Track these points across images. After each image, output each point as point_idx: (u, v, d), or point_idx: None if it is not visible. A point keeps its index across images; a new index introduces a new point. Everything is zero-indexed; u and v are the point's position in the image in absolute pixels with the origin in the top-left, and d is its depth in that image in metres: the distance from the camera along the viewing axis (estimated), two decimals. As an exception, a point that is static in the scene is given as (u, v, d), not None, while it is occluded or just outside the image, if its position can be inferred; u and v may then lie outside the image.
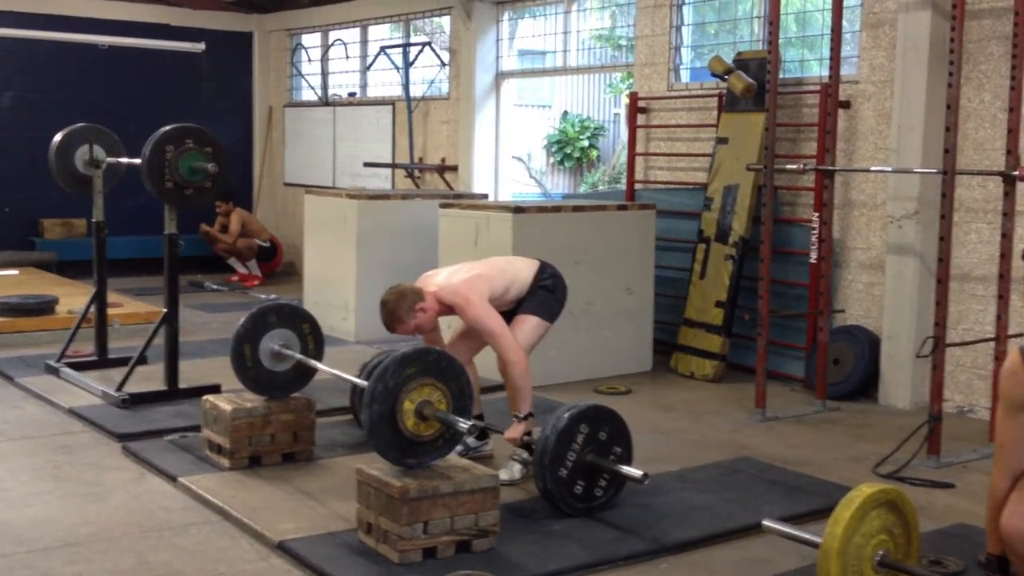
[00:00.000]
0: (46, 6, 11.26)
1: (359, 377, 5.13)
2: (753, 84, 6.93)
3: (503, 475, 4.56)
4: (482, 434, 5.07)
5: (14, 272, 10.04)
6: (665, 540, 4.03)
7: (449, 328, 5.33)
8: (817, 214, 6.41)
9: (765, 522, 3.48)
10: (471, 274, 4.84)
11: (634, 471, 4.21)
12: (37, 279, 9.83)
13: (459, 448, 4.87)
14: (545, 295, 4.92)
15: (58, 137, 6.84)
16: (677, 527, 4.15)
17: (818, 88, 6.78)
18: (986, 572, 3.01)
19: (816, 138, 6.77)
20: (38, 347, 7.24)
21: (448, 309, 4.78)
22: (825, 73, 6.40)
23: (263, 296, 10.03)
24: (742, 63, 7.14)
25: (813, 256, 6.45)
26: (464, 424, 3.92)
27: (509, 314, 4.86)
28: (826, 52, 6.30)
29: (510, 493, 4.46)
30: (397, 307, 4.64)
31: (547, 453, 4.22)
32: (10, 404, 5.97)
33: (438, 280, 4.86)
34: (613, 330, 7.04)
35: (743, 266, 7.02)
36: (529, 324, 4.84)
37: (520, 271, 4.97)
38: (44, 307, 7.92)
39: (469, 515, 3.88)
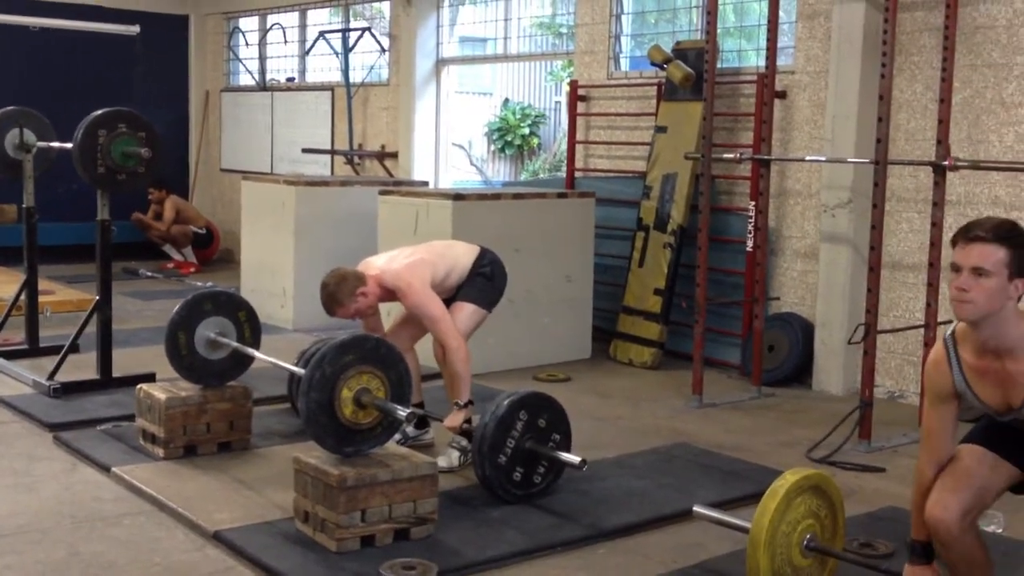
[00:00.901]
0: (-27, -15, 10.96)
1: (296, 365, 5.09)
2: (691, 73, 6.99)
3: (441, 462, 4.57)
4: (422, 422, 5.07)
5: (-60, 259, 9.78)
6: (602, 526, 4.07)
7: (389, 316, 5.31)
8: (753, 203, 6.49)
9: (696, 508, 3.53)
10: (413, 259, 4.82)
11: (572, 457, 4.24)
12: (-36, 266, 9.59)
13: (398, 436, 4.86)
14: (483, 282, 4.92)
15: (-14, 121, 6.68)
16: (614, 513, 4.19)
17: (755, 78, 6.85)
18: (911, 557, 3.08)
19: (753, 128, 6.85)
20: (-35, 336, 7.07)
21: (389, 294, 4.76)
22: (762, 63, 6.47)
23: (199, 284, 9.89)
24: (681, 52, 7.19)
25: (749, 244, 6.54)
26: (403, 412, 3.91)
27: (448, 301, 4.85)
28: (763, 43, 6.37)
29: (448, 480, 4.46)
30: (338, 290, 4.62)
31: (486, 440, 4.22)
32: (-64, 394, 5.84)
33: (379, 264, 4.84)
34: (553, 318, 7.07)
35: (681, 254, 7.09)
36: (466, 311, 4.84)
37: (460, 256, 4.95)
38: (-29, 295, 7.74)
39: (407, 503, 3.87)
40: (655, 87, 7.59)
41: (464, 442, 4.71)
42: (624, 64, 8.23)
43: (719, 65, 6.76)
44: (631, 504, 4.30)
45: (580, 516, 4.15)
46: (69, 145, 5.83)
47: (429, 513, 3.93)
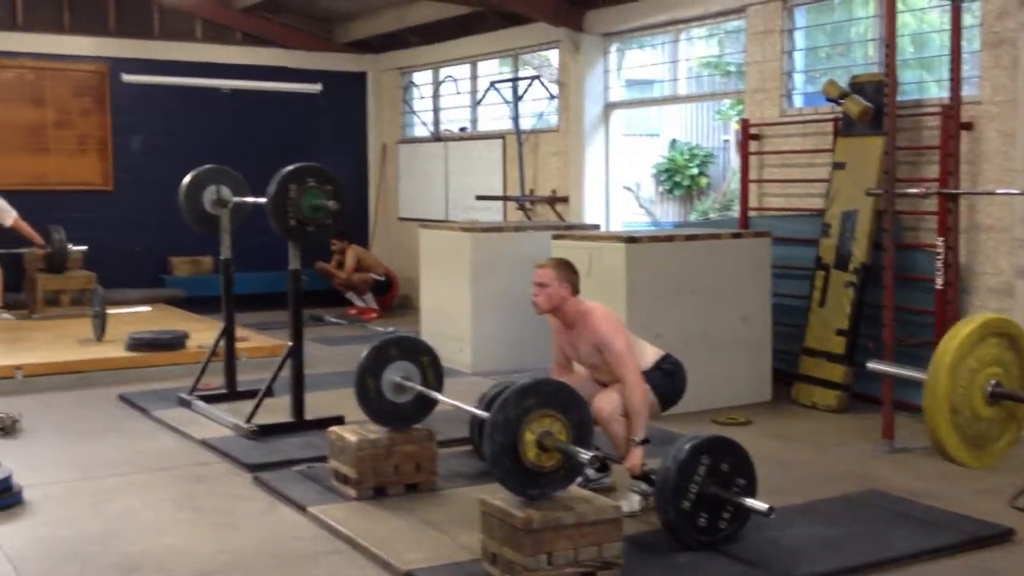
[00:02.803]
0: (172, 53, 11.78)
1: (478, 408, 5.19)
2: (870, 108, 6.82)
3: (623, 506, 4.56)
4: (602, 466, 5.07)
5: (146, 308, 10.47)
6: (794, 574, 3.96)
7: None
8: (942, 239, 6.24)
9: (870, 364, 3.29)
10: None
11: (759, 504, 4.16)
12: (167, 315, 10.24)
13: (579, 480, 4.89)
14: (662, 376, 4.93)
15: (187, 178, 7.09)
16: (805, 561, 4.08)
17: (938, 110, 6.62)
18: None
19: (937, 161, 6.60)
20: (170, 381, 7.51)
21: (574, 319, 4.84)
22: (944, 94, 6.25)
23: (381, 329, 10.23)
24: (858, 86, 7.03)
25: (939, 282, 6.28)
26: (585, 455, 3.93)
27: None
28: (944, 73, 6.16)
29: (632, 525, 4.44)
30: (560, 265, 4.82)
31: (668, 485, 4.20)
32: (146, 436, 6.23)
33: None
34: (730, 360, 6.96)
35: (864, 293, 6.87)
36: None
37: (645, 348, 5.02)
38: (175, 342, 8.24)
39: (592, 546, 3.88)
40: (831, 123, 7.44)
41: (644, 486, 4.69)
42: (797, 100, 8.11)
43: (898, 98, 6.56)
44: (823, 553, 4.18)
45: (770, 564, 4.06)
46: (262, 200, 6.15)
47: (615, 557, 3.92)
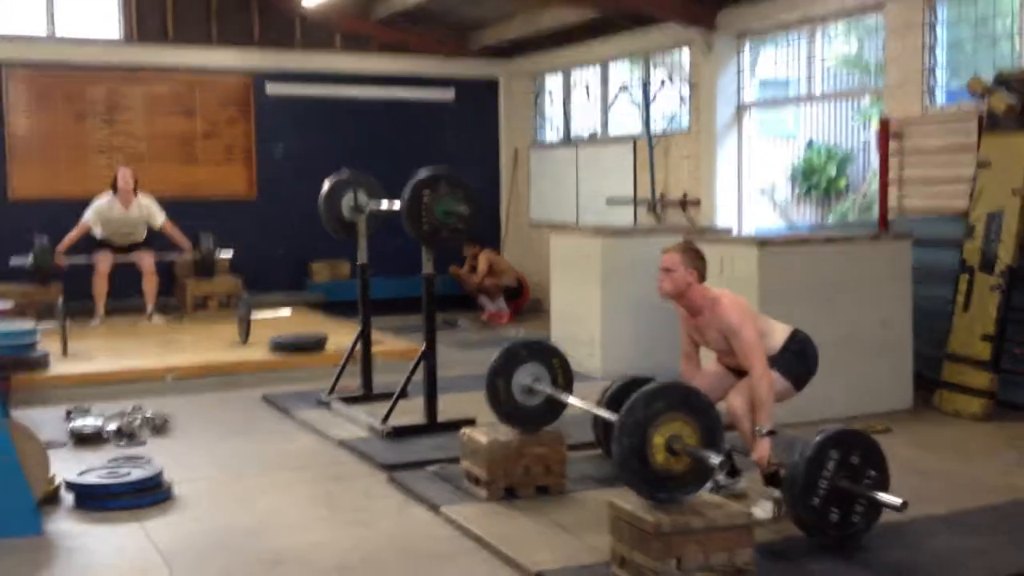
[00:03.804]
0: (313, 63, 12.17)
1: (600, 402, 5.21)
2: (1016, 104, 6.54)
3: (757, 512, 4.51)
4: (733, 472, 5.02)
5: (288, 312, 10.84)
6: (935, 585, 3.85)
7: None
8: (1095, 239, 5.95)
9: None
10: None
11: (892, 499, 4.03)
12: (307, 318, 10.58)
13: (709, 485, 4.84)
14: (792, 357, 4.87)
15: (326, 185, 7.32)
16: (947, 571, 3.97)
17: (1093, 104, 6.31)
18: None
19: (1092, 157, 6.29)
20: (310, 382, 7.75)
21: (701, 305, 4.83)
22: (1101, 88, 5.96)
23: (512, 333, 10.33)
24: (1003, 82, 6.76)
25: (1092, 284, 5.99)
26: (715, 459, 3.90)
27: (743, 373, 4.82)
28: (1101, 65, 5.87)
29: (764, 533, 4.38)
30: (688, 249, 4.81)
31: (798, 482, 4.11)
32: (288, 437, 6.46)
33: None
34: (869, 366, 6.78)
35: (1011, 297, 6.60)
36: (773, 376, 4.76)
37: (774, 327, 4.97)
38: (315, 345, 8.52)
39: (723, 552, 3.85)
40: (975, 120, 7.16)
41: (778, 493, 4.63)
42: (939, 97, 7.83)
43: (1050, 92, 6.29)
44: (966, 563, 4.05)
45: (911, 573, 3.95)
46: (397, 205, 6.30)
47: (746, 564, 3.88)
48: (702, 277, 4.87)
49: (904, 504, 3.99)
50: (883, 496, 4.10)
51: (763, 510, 4.64)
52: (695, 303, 4.87)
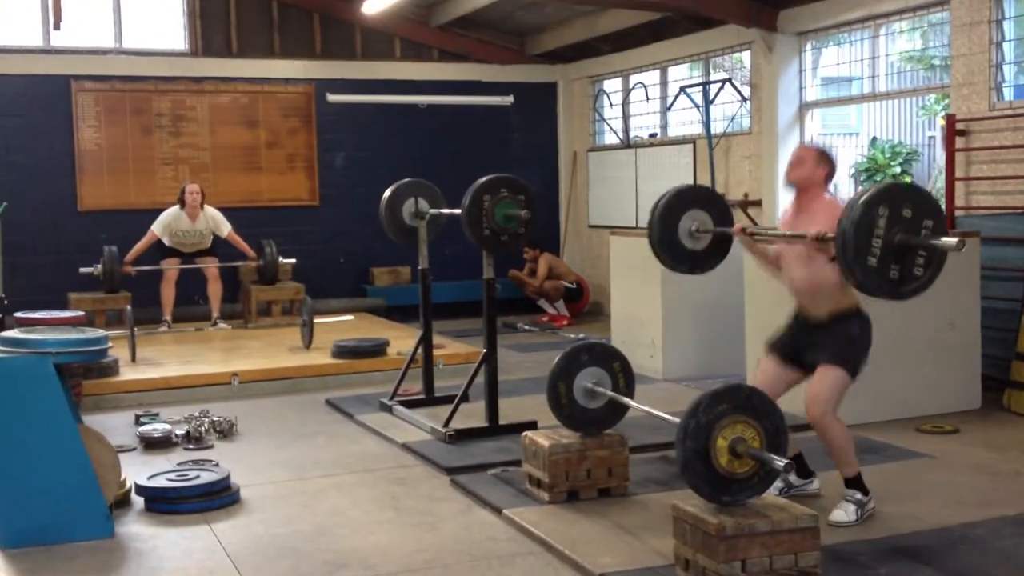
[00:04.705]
0: (373, 72, 12.30)
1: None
2: (1089, 97, 6.39)
3: (838, 516, 4.46)
4: (805, 472, 4.96)
5: (349, 317, 10.95)
6: (1004, 589, 3.78)
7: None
8: None
9: None
10: None
11: (951, 241, 3.82)
12: (369, 323, 10.68)
13: (781, 486, 4.81)
14: (863, 325, 4.69)
15: (387, 192, 7.37)
16: (1019, 574, 3.87)
17: None
18: None
19: None
20: (373, 386, 7.83)
21: (807, 209, 4.78)
22: None
23: (572, 336, 10.32)
24: (1075, 75, 6.61)
25: None
26: (780, 462, 3.87)
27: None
28: None
29: (832, 535, 4.33)
30: (824, 153, 4.85)
31: (848, 247, 3.90)
32: (351, 439, 6.53)
33: None
34: (935, 366, 6.66)
35: (1084, 295, 6.45)
36: (833, 376, 4.59)
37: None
38: (377, 349, 8.60)
39: (788, 555, 3.82)
40: (1045, 115, 7.02)
41: (860, 495, 4.56)
42: (1008, 93, 7.68)
43: (1123, 85, 6.13)
44: (1037, 568, 3.96)
45: (977, 575, 3.89)
46: (458, 211, 6.34)
47: (812, 567, 3.84)
48: (828, 178, 4.86)
49: (962, 242, 3.79)
50: (944, 241, 3.88)
51: (847, 513, 4.56)
52: (810, 200, 4.81)
